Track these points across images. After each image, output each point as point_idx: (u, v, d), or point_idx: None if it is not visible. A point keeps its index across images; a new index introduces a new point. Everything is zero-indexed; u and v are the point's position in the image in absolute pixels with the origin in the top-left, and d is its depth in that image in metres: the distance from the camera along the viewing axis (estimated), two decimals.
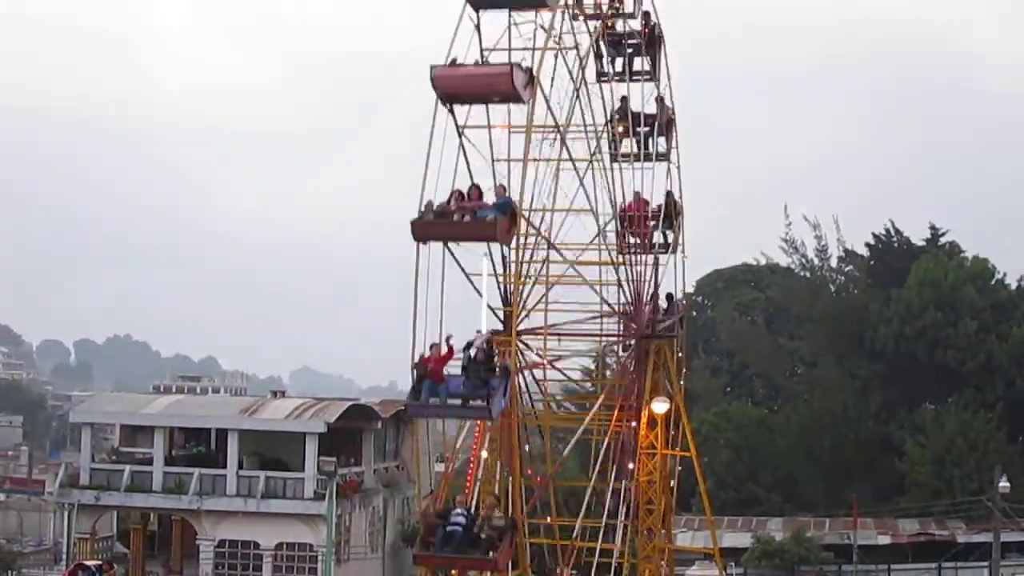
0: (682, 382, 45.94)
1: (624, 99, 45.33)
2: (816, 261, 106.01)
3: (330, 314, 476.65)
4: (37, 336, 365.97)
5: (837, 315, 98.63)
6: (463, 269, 35.10)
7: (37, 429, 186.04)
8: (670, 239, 46.54)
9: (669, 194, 46.15)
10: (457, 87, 34.10)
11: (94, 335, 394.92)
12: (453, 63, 34.35)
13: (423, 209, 33.87)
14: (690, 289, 75.26)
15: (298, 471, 64.69)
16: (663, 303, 46.11)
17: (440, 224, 33.68)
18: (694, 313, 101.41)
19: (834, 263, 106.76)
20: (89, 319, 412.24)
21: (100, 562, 45.45)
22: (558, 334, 42.60)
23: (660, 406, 43.12)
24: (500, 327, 35.73)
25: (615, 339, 43.79)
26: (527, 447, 40.50)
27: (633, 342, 44.50)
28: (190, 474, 65.66)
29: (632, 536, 43.05)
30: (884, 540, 76.97)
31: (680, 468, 46.81)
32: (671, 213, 46.02)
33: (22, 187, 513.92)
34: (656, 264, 45.87)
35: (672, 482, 45.81)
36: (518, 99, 34.33)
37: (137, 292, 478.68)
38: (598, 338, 44.00)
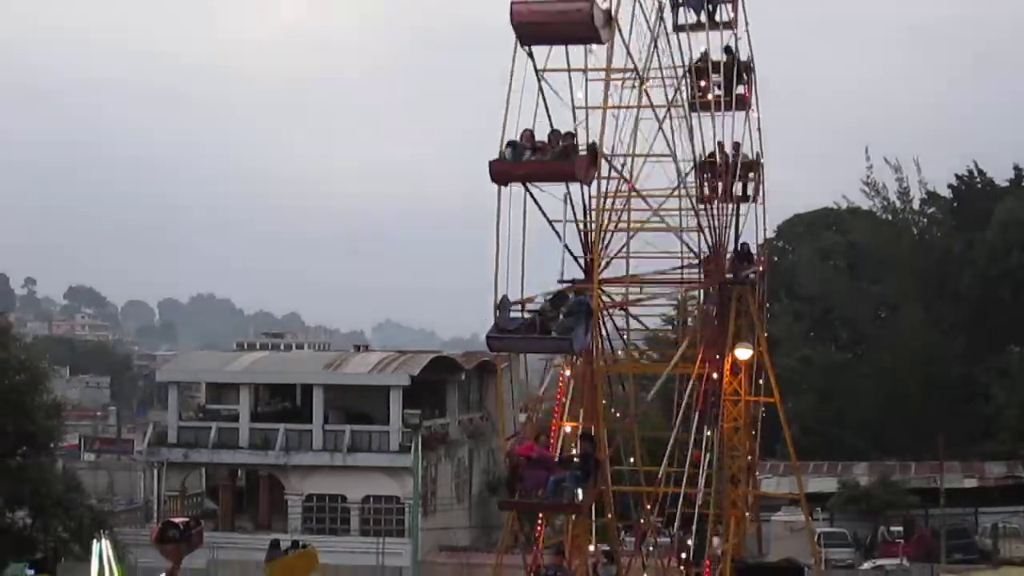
0: (765, 328, 45.70)
1: (705, 50, 45.02)
2: (898, 204, 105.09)
3: (411, 268, 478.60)
4: (121, 297, 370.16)
5: (920, 258, 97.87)
6: (542, 210, 34.91)
7: (124, 389, 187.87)
8: (750, 190, 46.23)
9: (739, 145, 45.75)
10: (534, 21, 33.88)
11: (178, 294, 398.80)
12: None
13: (503, 151, 33.77)
14: (771, 234, 74.74)
15: (383, 424, 65.02)
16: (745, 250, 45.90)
17: (518, 165, 33.55)
18: (775, 258, 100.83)
19: (916, 205, 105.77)
20: (173, 279, 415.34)
21: (188, 519, 45.77)
22: (639, 282, 42.45)
23: (743, 352, 42.96)
24: (580, 275, 35.63)
25: (697, 285, 43.53)
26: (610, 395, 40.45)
27: (715, 288, 44.34)
28: (276, 430, 66.16)
29: (717, 483, 42.95)
30: (971, 483, 76.43)
31: (764, 414, 46.61)
32: (751, 163, 45.71)
33: (103, 149, 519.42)
34: (737, 214, 45.60)
35: (756, 428, 45.67)
36: (596, 38, 34.14)
37: (218, 252, 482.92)
38: (679, 285, 43.77)
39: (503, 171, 33.29)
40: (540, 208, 34.54)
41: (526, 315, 33.55)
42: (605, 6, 34.24)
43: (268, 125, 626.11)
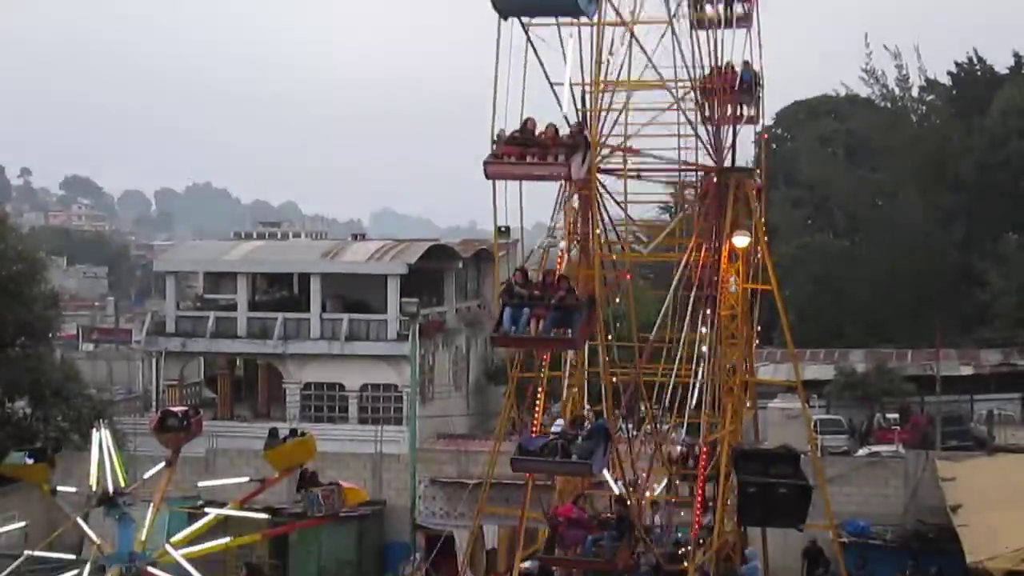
0: (762, 215, 45.52)
1: None
2: (897, 91, 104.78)
3: (409, 156, 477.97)
4: (118, 187, 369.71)
5: (919, 145, 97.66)
6: (539, 58, 34.64)
7: (122, 279, 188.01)
8: (749, 111, 45.68)
9: (747, 64, 45.14)
10: None
11: (175, 184, 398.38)
12: None
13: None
14: (770, 121, 74.48)
15: (381, 313, 65.11)
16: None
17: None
18: (774, 145, 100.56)
19: (915, 93, 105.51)
20: (169, 169, 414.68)
21: (186, 408, 45.94)
22: (638, 169, 42.38)
23: (741, 239, 42.80)
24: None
25: (694, 170, 43.33)
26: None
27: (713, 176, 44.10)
28: (274, 319, 66.26)
29: (714, 370, 43.06)
30: (967, 371, 76.76)
31: (762, 300, 46.60)
32: (751, 85, 45.13)
33: (100, 34, 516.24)
34: (735, 134, 45.16)
35: (754, 315, 45.67)
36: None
37: (216, 139, 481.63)
38: (677, 171, 43.59)
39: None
40: (537, 54, 34.38)
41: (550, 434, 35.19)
42: None
43: (266, 8, 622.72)
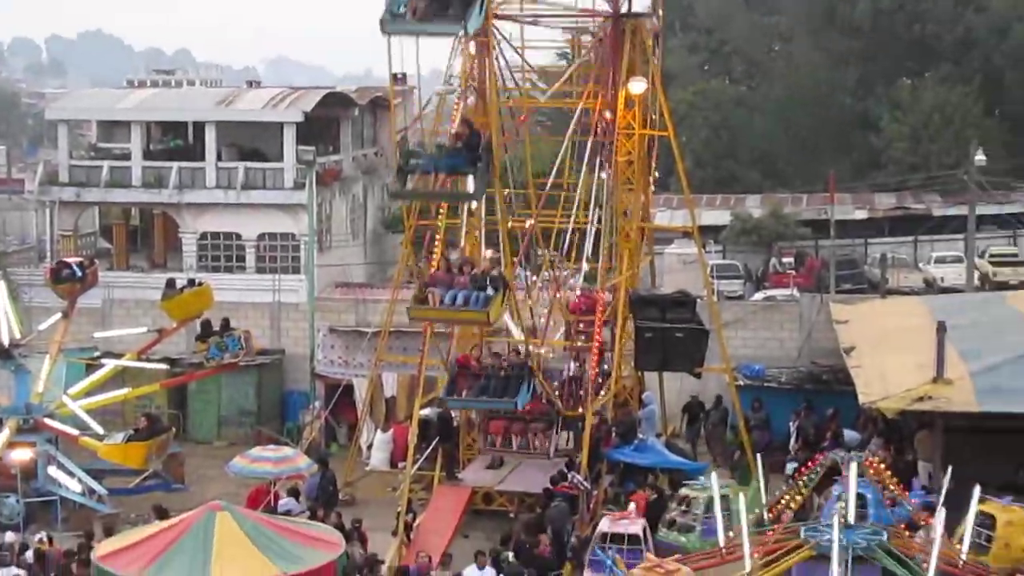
0: (658, 61, 45.50)
1: None
2: None
3: (304, 2, 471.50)
4: (7, 34, 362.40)
5: None
6: None
7: (12, 128, 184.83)
8: None
9: None
10: None
11: (65, 30, 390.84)
12: None
13: None
14: None
15: (277, 161, 64.59)
16: None
17: None
18: None
19: None
20: (59, 14, 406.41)
21: (81, 259, 45.58)
22: (535, 14, 42.33)
23: (637, 85, 42.80)
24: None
25: (591, 15, 43.20)
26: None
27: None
28: (169, 168, 65.53)
29: (611, 213, 43.26)
30: (861, 215, 77.58)
31: (658, 146, 46.70)
32: None
33: None
34: None
35: (650, 161, 45.81)
36: None
37: None
38: (574, 16, 43.48)
39: None
40: None
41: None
42: None
43: None
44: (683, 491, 35.85)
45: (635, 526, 32.34)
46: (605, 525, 32.61)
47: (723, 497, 29.49)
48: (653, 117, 44.54)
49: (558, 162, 42.71)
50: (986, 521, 30.45)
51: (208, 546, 26.30)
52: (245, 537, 26.67)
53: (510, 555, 32.70)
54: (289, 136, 63.51)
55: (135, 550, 26.80)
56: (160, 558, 26.20)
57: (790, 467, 39.68)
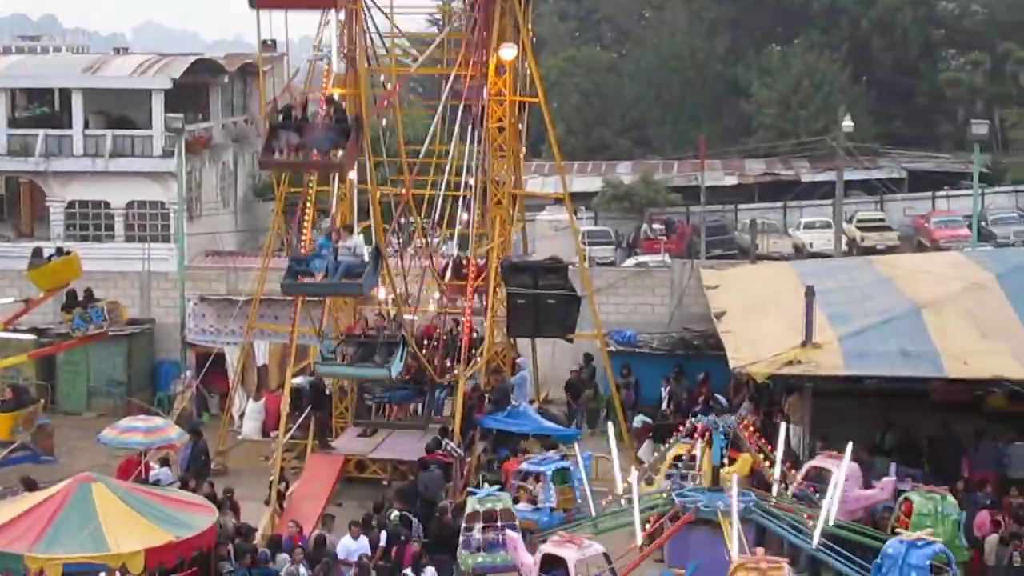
0: (529, 26, 45.54)
1: None
2: None
3: None
4: None
5: None
6: None
7: None
8: None
9: None
10: None
11: None
12: None
13: None
14: None
15: (145, 129, 63.88)
16: None
17: None
18: None
19: None
20: None
21: None
22: None
23: (508, 52, 42.87)
24: None
25: None
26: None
27: None
28: (35, 136, 64.60)
29: (483, 181, 43.32)
30: (731, 181, 78.44)
31: (529, 112, 46.78)
32: None
33: None
34: None
35: (521, 128, 45.88)
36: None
37: None
38: None
39: None
40: None
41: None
42: None
43: None
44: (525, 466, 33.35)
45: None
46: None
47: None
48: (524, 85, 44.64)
49: (431, 131, 42.60)
50: None
51: (93, 516, 26.17)
52: (126, 506, 26.59)
53: (395, 514, 32.44)
54: (157, 103, 62.78)
55: (15, 526, 26.60)
56: (47, 533, 26.04)
57: (637, 420, 41.03)
